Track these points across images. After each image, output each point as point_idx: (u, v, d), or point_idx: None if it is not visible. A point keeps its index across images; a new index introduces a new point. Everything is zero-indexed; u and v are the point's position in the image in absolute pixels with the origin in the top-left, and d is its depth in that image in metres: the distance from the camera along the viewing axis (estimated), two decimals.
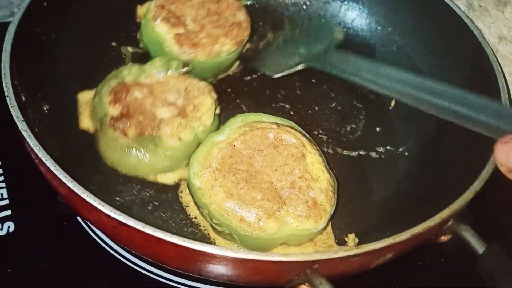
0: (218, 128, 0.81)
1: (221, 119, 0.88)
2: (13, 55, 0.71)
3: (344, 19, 1.07)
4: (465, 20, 0.88)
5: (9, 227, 0.75)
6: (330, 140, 0.89)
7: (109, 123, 0.75)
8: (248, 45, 0.97)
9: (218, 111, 0.82)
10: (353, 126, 0.92)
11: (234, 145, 0.72)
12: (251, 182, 0.69)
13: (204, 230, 0.73)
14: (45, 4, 0.82)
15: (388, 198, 0.82)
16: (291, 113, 0.93)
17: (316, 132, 0.90)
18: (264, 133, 0.74)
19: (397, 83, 0.75)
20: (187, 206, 0.76)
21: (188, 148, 0.75)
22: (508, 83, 0.85)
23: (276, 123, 0.76)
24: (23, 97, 0.71)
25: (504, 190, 0.69)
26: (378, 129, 0.92)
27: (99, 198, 0.57)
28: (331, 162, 0.79)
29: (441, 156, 0.81)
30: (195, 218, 0.75)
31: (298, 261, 0.53)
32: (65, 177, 0.59)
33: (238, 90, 0.95)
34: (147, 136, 0.74)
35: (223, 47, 0.88)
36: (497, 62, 0.81)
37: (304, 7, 1.09)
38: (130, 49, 0.96)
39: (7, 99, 0.66)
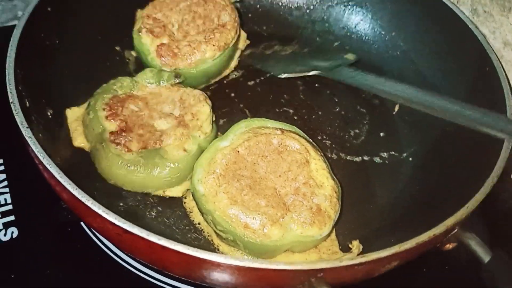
0: (216, 135, 0.81)
1: (225, 124, 0.89)
2: (17, 61, 0.72)
3: (347, 23, 1.07)
4: (470, 26, 0.87)
5: (12, 232, 0.75)
6: (333, 145, 0.89)
7: (109, 139, 0.73)
8: (252, 50, 0.97)
9: (214, 118, 0.82)
10: (357, 131, 0.92)
11: (238, 151, 0.72)
12: (255, 188, 0.69)
13: (208, 236, 0.73)
14: (49, 9, 0.82)
15: (392, 204, 0.81)
16: (295, 118, 0.93)
17: (319, 137, 0.90)
18: (268, 139, 0.74)
19: (404, 96, 0.82)
20: (190, 212, 0.76)
21: (193, 159, 0.74)
22: None
23: (280, 129, 0.76)
24: (27, 102, 0.71)
25: (510, 196, 0.69)
26: (382, 134, 0.92)
27: (103, 203, 0.57)
28: (334, 167, 0.79)
29: (445, 162, 0.81)
30: (199, 224, 0.75)
31: (303, 270, 0.53)
32: (69, 184, 0.59)
33: (242, 94, 0.95)
34: (151, 149, 0.74)
35: (206, 54, 0.86)
36: (501, 68, 0.80)
37: (308, 11, 1.09)
38: (133, 53, 0.97)
39: (12, 105, 0.66)
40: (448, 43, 0.93)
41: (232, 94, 0.95)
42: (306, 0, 1.09)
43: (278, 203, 0.68)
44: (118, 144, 0.73)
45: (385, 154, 0.88)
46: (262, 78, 0.98)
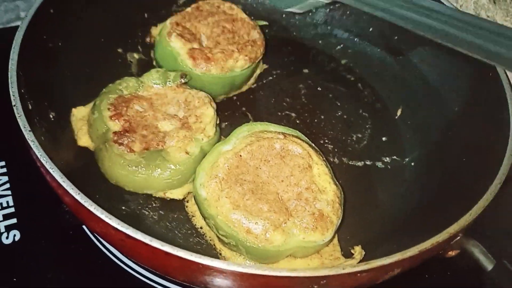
0: (219, 138, 0.81)
1: (227, 127, 0.88)
2: (19, 63, 0.71)
3: None
4: None
5: (14, 235, 0.75)
6: (336, 150, 0.89)
7: (112, 139, 0.74)
8: None
9: (218, 121, 0.82)
10: (359, 135, 0.92)
11: (241, 155, 0.72)
12: (257, 193, 0.69)
13: (210, 240, 0.73)
14: (51, 11, 0.82)
15: (394, 209, 0.81)
16: (297, 121, 0.93)
17: (321, 141, 0.90)
18: (271, 143, 0.74)
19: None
20: (193, 216, 0.76)
21: (195, 161, 0.74)
22: None
23: (283, 133, 0.76)
24: (29, 105, 0.71)
25: None
26: (384, 138, 0.92)
27: (105, 207, 0.57)
28: (336, 172, 0.79)
29: (448, 168, 0.81)
30: (201, 228, 0.74)
31: (306, 277, 0.53)
32: (72, 188, 0.59)
33: (244, 98, 0.95)
34: (153, 150, 0.74)
35: (237, 63, 0.88)
36: (504, 74, 0.80)
37: None
38: (135, 55, 0.97)
39: (14, 108, 0.66)
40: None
41: (234, 97, 0.95)
42: None
43: (280, 208, 0.68)
44: (121, 144, 0.73)
45: (387, 159, 0.88)
46: (264, 81, 0.99)
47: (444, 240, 0.58)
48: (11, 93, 0.68)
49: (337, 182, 0.74)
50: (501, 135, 0.72)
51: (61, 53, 0.84)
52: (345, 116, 0.95)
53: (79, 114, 0.82)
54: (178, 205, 0.77)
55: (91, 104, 0.81)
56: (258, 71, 0.99)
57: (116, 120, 0.75)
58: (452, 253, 0.64)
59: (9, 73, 0.70)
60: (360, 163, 0.88)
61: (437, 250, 0.60)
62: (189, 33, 0.90)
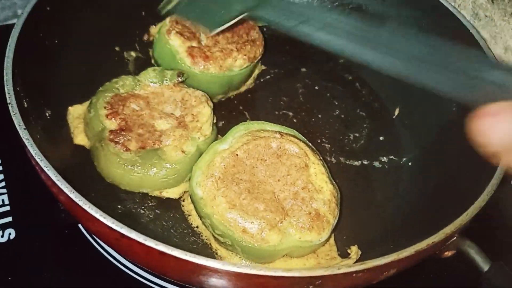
0: (216, 137, 0.81)
1: (224, 126, 0.88)
2: (15, 61, 0.71)
3: None
4: (471, 30, 0.87)
5: (10, 234, 0.75)
6: (333, 149, 0.89)
7: (108, 138, 0.73)
8: None
9: (214, 120, 0.81)
10: (357, 134, 0.92)
11: (237, 155, 0.72)
12: (253, 192, 0.69)
13: (206, 239, 0.73)
14: (48, 8, 0.82)
15: (391, 209, 0.81)
16: (294, 120, 0.92)
17: (319, 141, 0.90)
18: (267, 143, 0.74)
19: (347, 33, 0.60)
20: (189, 215, 0.75)
21: (192, 160, 0.74)
22: None
23: (279, 132, 0.76)
24: (25, 103, 0.70)
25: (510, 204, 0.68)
26: (381, 138, 0.92)
27: (100, 206, 0.57)
28: (334, 171, 0.79)
29: (445, 168, 0.81)
30: (197, 227, 0.74)
31: (302, 277, 0.53)
32: (66, 187, 0.58)
33: (241, 96, 0.95)
34: (149, 149, 0.73)
35: (236, 62, 0.88)
36: None
37: None
38: (133, 53, 0.96)
39: (9, 106, 0.66)
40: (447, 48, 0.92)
41: (231, 96, 0.95)
42: None
43: (276, 208, 0.68)
44: (117, 143, 0.73)
45: (384, 159, 0.88)
46: (261, 80, 0.98)
47: (440, 241, 0.58)
48: (6, 91, 0.67)
49: (333, 182, 0.74)
50: None
51: (57, 51, 0.83)
52: (342, 116, 0.95)
53: (76, 112, 0.81)
54: (174, 204, 0.76)
55: (87, 103, 0.81)
56: (256, 72, 0.98)
57: (113, 119, 0.75)
58: (448, 254, 0.63)
59: (4, 70, 0.69)
60: (357, 163, 0.88)
61: (433, 250, 0.60)
62: (188, 32, 0.89)
